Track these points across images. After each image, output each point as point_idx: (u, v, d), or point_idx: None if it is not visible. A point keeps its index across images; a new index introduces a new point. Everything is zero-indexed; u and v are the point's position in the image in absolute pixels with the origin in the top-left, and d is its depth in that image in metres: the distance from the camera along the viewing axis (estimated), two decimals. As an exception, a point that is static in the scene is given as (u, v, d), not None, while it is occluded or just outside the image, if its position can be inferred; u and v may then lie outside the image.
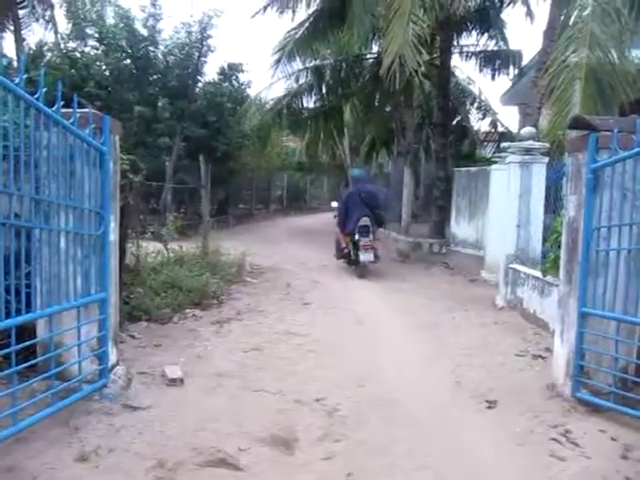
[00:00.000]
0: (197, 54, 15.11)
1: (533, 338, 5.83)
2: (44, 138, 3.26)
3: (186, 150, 14.66)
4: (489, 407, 4.02)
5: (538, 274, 6.24)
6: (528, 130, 7.32)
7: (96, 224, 3.69)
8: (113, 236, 4.00)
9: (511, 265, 7.14)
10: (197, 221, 14.76)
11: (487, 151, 20.55)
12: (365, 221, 9.48)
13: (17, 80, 2.81)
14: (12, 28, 19.52)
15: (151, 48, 14.88)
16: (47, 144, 3.26)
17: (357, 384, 4.37)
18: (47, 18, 19.58)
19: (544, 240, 6.92)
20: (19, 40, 19.29)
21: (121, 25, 14.43)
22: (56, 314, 3.45)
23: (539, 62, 10.13)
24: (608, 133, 3.61)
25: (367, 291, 8.30)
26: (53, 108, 3.18)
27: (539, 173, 7.05)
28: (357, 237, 9.39)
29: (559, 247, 5.63)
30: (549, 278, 5.88)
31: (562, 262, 4.16)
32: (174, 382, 4.19)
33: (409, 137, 15.21)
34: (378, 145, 18.78)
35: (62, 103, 3.27)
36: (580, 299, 3.79)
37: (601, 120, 3.77)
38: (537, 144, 7.20)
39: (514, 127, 17.60)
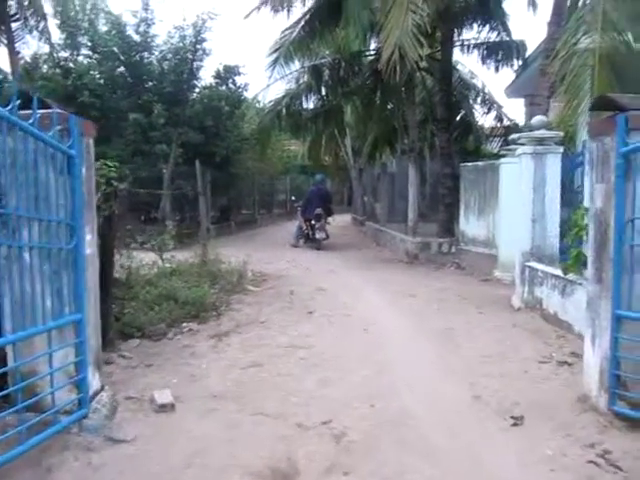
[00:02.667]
0: (192, 58, 14.76)
1: (556, 342, 5.39)
2: None
3: (184, 156, 14.30)
4: (514, 424, 3.60)
5: (558, 272, 5.80)
6: (540, 119, 6.88)
7: (67, 237, 3.30)
8: (90, 249, 3.61)
9: (527, 263, 6.70)
10: (198, 229, 14.43)
11: (493, 146, 20.17)
12: (319, 211, 13.79)
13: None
14: (5, 42, 19.34)
15: (145, 54, 14.57)
16: (2, 149, 2.87)
17: (367, 402, 3.95)
18: (40, 29, 19.27)
19: (562, 235, 6.48)
20: (13, 53, 19.07)
21: (113, 32, 14.12)
22: (24, 339, 3.07)
23: (546, 49, 9.69)
24: (639, 113, 3.19)
25: (375, 296, 7.87)
26: (7, 108, 2.79)
27: (554, 164, 6.61)
28: (313, 222, 13.82)
29: (580, 242, 5.23)
30: (571, 276, 5.44)
31: (590, 259, 3.73)
32: (164, 408, 3.79)
33: (412, 135, 14.75)
34: (381, 144, 18.30)
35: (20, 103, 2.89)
36: (614, 300, 3.36)
37: (630, 99, 3.34)
38: (550, 133, 6.76)
39: (520, 120, 17.20)
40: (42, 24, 19.36)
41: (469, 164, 10.39)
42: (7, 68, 19.61)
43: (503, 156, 9.28)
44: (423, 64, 15.22)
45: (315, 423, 3.62)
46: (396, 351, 5.26)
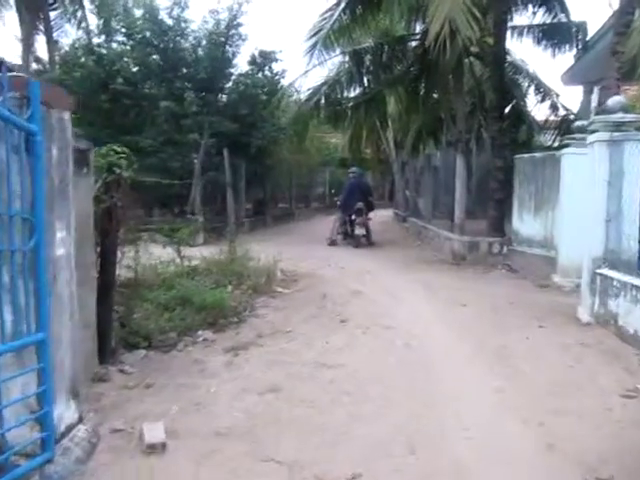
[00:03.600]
0: (226, 43, 14.10)
1: (640, 369, 4.43)
2: None
3: (217, 147, 13.67)
4: (605, 493, 2.72)
5: (641, 283, 4.81)
6: (617, 100, 5.83)
7: (24, 235, 2.58)
8: (62, 250, 2.90)
9: (599, 270, 5.69)
10: (234, 224, 13.83)
11: (546, 138, 18.84)
12: (360, 205, 12.75)
13: None
14: (43, 30, 19.17)
15: (178, 39, 13.98)
16: None
17: (406, 449, 3.13)
18: (78, 18, 19.05)
19: (643, 238, 5.47)
20: (51, 42, 18.88)
21: (146, 15, 13.56)
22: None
23: (617, 25, 8.55)
24: None
25: (418, 304, 6.99)
26: None
27: (634, 153, 5.57)
28: (353, 217, 12.77)
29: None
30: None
31: None
32: (153, 449, 3.05)
33: (460, 125, 13.70)
34: (425, 136, 17.24)
35: None
36: None
37: None
38: (630, 116, 5.71)
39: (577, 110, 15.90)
40: (80, 12, 19.17)
41: (525, 155, 9.33)
42: (45, 57, 19.61)
43: (563, 147, 8.23)
44: (473, 49, 14.28)
45: (339, 478, 2.82)
46: (446, 377, 4.38)
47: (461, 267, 9.66)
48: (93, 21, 16.91)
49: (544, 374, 4.35)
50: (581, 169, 6.58)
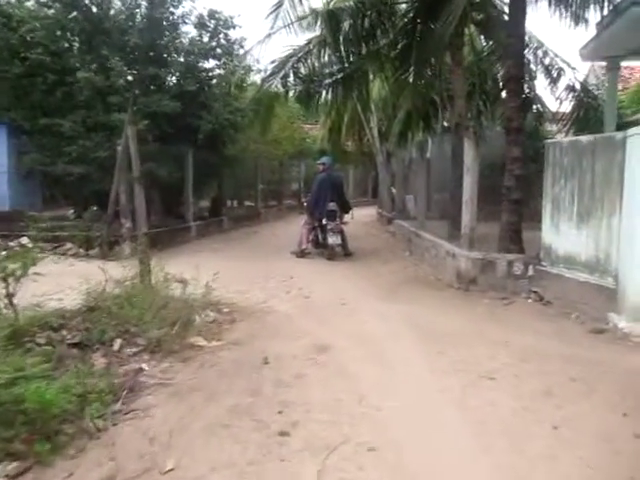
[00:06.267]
0: (171, 4, 11.26)
1: None
2: None
3: (160, 131, 10.84)
4: None
5: None
6: None
7: None
8: None
9: None
10: (175, 228, 10.96)
11: (558, 128, 16.32)
12: (332, 206, 10.13)
13: None
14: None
15: (109, -4, 11.11)
16: None
17: None
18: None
19: None
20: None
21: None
22: None
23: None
24: None
25: (418, 374, 4.28)
26: None
27: None
28: (325, 221, 10.03)
29: None
30: None
31: None
32: None
33: (459, 106, 11.11)
34: (415, 122, 14.50)
35: None
36: None
37: None
38: None
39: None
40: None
41: (563, 140, 6.67)
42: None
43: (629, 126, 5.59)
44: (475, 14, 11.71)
45: None
46: None
47: (471, 295, 6.99)
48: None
49: None
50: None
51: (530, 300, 6.67)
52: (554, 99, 13.17)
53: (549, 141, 7.01)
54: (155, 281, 5.81)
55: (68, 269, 7.98)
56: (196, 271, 5.61)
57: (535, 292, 6.74)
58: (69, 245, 9.47)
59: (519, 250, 7.91)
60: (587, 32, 11.85)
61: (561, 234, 6.55)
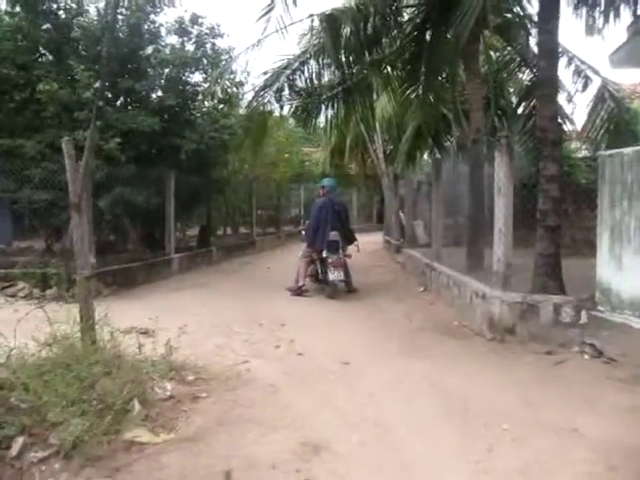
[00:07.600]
0: (152, 12, 10.03)
1: None
2: None
3: (135, 151, 9.51)
4: None
5: None
6: None
7: None
8: None
9: None
10: (152, 262, 9.54)
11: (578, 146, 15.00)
12: (334, 236, 8.83)
13: None
14: None
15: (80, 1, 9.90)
16: None
17: None
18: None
19: None
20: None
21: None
22: None
23: None
24: None
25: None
26: None
27: None
28: (325, 254, 8.69)
29: None
30: None
31: None
32: None
33: (476, 121, 9.83)
34: (424, 140, 13.14)
35: None
36: None
37: None
38: None
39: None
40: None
41: (625, 151, 5.23)
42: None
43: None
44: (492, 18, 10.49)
45: None
46: None
47: (508, 348, 5.49)
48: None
49: None
50: None
51: (586, 356, 5.17)
52: (581, 110, 11.84)
53: (604, 153, 5.59)
54: (103, 337, 4.44)
55: (9, 317, 6.56)
56: (166, 317, 4.20)
57: (592, 345, 5.24)
58: (21, 285, 8.07)
59: (559, 287, 6.45)
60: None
61: (625, 271, 5.09)
